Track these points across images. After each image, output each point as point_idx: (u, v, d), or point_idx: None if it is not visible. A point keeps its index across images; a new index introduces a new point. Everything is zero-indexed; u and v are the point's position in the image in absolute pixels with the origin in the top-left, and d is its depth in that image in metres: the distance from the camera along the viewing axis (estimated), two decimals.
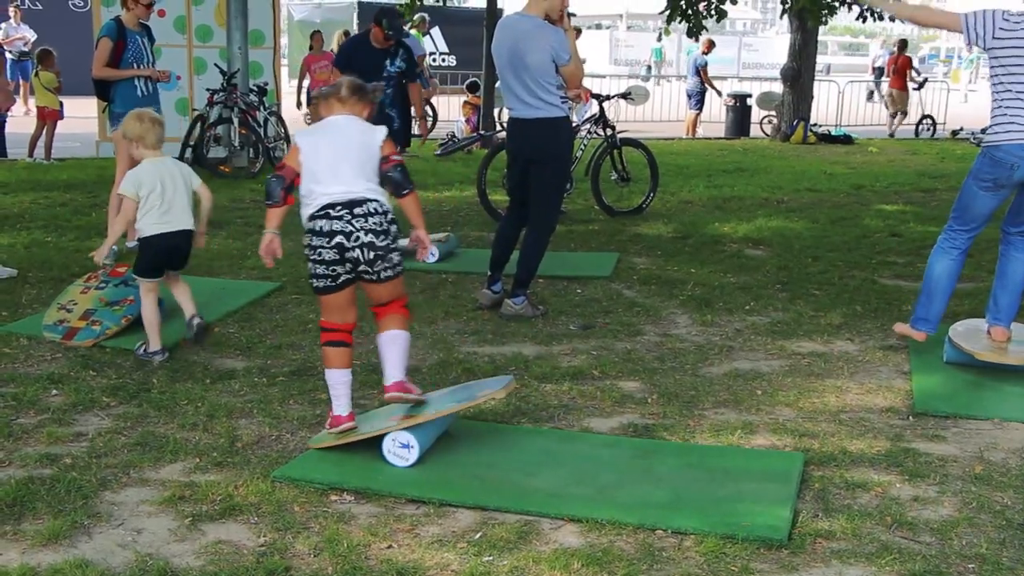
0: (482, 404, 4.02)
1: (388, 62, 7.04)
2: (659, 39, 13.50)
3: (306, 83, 13.81)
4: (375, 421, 3.91)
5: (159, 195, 4.83)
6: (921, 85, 18.64)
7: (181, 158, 10.55)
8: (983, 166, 4.73)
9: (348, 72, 7.18)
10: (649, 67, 32.35)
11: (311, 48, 14.15)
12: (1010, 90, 4.62)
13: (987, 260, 6.69)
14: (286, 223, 3.84)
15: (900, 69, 18.04)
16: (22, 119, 15.88)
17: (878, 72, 24.85)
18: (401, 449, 3.69)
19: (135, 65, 6.77)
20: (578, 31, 5.61)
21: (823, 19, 13.42)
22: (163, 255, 4.90)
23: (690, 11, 13.27)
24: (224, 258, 6.98)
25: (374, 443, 3.73)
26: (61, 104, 11.74)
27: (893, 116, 18.42)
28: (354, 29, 21.08)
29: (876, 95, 23.28)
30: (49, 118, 11.58)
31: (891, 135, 18.12)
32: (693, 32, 13.60)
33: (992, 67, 4.71)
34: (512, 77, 5.60)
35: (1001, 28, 4.60)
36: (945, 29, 4.93)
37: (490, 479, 3.58)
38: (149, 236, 4.86)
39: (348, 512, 3.34)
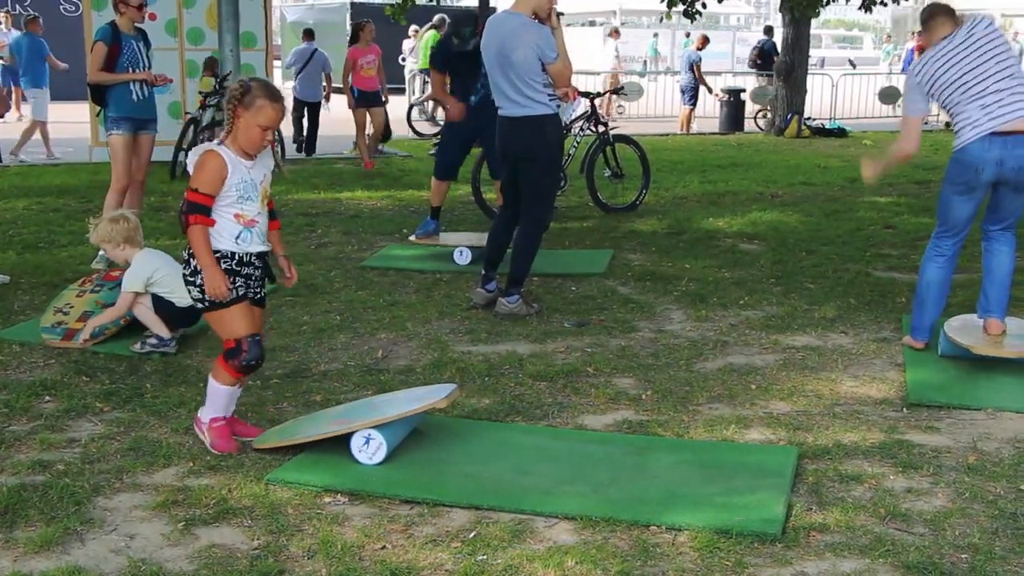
0: (427, 410, 3.86)
1: None
2: (661, 20, 14.63)
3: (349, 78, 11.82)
4: (320, 422, 3.90)
5: (164, 272, 4.90)
6: None
7: (175, 162, 10.58)
8: (952, 171, 4.88)
9: (450, 78, 7.39)
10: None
11: (356, 41, 11.94)
12: (960, 102, 4.75)
13: (978, 251, 6.68)
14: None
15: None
16: (15, 124, 15.87)
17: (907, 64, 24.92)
18: (364, 446, 3.68)
19: (130, 69, 6.76)
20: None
21: (816, 11, 13.53)
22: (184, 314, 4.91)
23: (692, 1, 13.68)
24: None
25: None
26: None
27: None
28: (347, 29, 21.06)
29: None
30: None
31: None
32: (690, 15, 13.92)
33: (940, 95, 4.80)
34: (500, 75, 5.60)
35: (936, 69, 4.73)
36: (926, 116, 5.10)
37: (484, 478, 3.58)
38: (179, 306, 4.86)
39: (342, 514, 3.34)
